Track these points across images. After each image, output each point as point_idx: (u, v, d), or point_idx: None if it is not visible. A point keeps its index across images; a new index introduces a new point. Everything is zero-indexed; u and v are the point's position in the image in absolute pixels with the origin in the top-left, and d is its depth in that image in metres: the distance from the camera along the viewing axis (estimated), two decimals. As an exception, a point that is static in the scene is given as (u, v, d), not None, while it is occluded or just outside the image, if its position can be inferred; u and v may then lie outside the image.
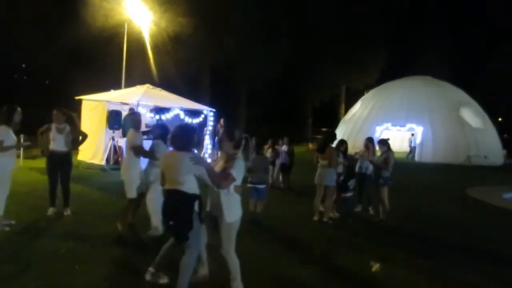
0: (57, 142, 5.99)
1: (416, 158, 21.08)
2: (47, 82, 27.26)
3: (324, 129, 31.39)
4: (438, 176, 15.11)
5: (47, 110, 6.52)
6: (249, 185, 6.36)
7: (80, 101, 12.40)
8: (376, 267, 4.93)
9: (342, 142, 7.52)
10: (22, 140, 9.06)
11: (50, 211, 6.12)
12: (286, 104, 30.85)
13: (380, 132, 21.74)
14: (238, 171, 3.67)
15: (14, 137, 5.42)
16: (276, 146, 10.20)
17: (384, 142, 7.17)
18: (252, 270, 4.42)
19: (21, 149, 9.79)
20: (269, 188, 9.47)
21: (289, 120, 31.00)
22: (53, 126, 5.99)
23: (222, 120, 14.24)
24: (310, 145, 26.62)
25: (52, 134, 5.97)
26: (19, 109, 5.46)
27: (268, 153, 10.02)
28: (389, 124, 22.25)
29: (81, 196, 7.54)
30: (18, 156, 6.88)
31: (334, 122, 29.92)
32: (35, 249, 4.73)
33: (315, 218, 6.97)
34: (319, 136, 29.48)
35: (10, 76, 20.69)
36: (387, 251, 5.63)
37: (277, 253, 5.20)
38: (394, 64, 31.71)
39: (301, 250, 5.52)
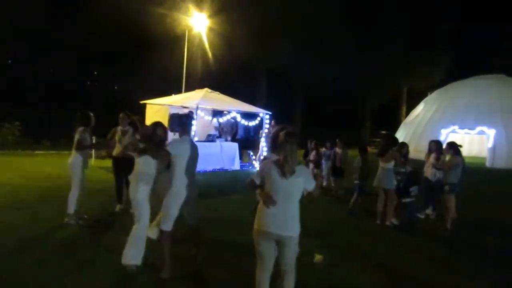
0: (121, 145, 6.37)
1: (488, 164, 19.45)
2: (116, 88, 29.40)
3: (383, 131, 30.14)
4: (513, 184, 13.79)
5: (115, 114, 6.98)
6: (355, 181, 7.42)
7: (144, 105, 13.15)
8: (318, 258, 4.63)
9: (403, 145, 7.19)
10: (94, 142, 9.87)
11: (117, 207, 6.56)
12: (344, 106, 30.06)
13: (446, 135, 20.37)
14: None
15: (89, 139, 5.90)
16: (321, 149, 10.00)
17: (450, 146, 6.71)
18: (309, 272, 4.35)
19: (93, 150, 10.61)
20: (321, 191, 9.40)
21: (346, 122, 30.17)
22: (118, 128, 6.43)
23: (273, 121, 14.27)
24: (369, 149, 25.71)
25: (117, 136, 6.40)
26: (92, 114, 5.93)
27: (312, 155, 9.89)
28: (456, 127, 20.77)
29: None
30: (90, 157, 7.46)
31: (394, 124, 28.60)
32: (104, 242, 5.10)
33: (378, 221, 6.82)
34: (378, 140, 28.35)
35: (85, 83, 22.56)
36: (452, 264, 5.25)
37: (335, 258, 5.08)
38: (461, 62, 29.56)
39: (360, 255, 5.35)
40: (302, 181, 3.21)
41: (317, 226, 6.50)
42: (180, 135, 4.21)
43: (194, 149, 4.19)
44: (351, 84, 27.38)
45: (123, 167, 6.34)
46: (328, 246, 5.56)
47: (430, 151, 7.49)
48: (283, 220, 3.13)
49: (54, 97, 19.21)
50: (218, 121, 13.51)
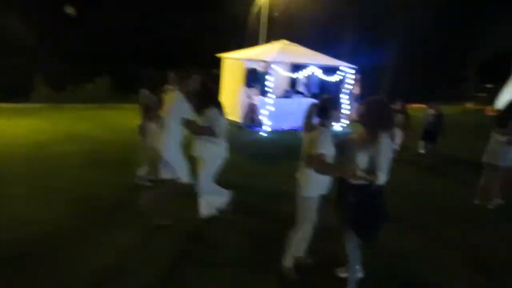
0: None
1: None
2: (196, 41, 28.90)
3: (488, 85, 26.03)
4: None
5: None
6: None
7: (220, 58, 12.81)
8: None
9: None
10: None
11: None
12: (444, 56, 26.33)
13: None
14: None
15: None
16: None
17: None
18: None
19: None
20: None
21: (444, 74, 26.56)
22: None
23: (358, 76, 12.90)
24: (468, 105, 22.63)
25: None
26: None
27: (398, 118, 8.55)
28: None
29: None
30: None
31: (504, 76, 24.37)
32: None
33: (476, 202, 5.82)
34: (481, 95, 24.62)
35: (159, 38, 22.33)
36: None
37: (417, 242, 4.37)
38: None
39: (445, 239, 4.55)
40: None
41: (401, 203, 5.68)
42: None
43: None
44: (454, 31, 23.70)
45: None
46: (412, 230, 4.82)
47: None
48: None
49: (137, 52, 19.60)
50: (305, 77, 12.60)
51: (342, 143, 3.22)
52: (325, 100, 3.29)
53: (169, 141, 4.14)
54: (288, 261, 3.50)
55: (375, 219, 3.06)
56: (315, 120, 3.24)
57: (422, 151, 8.77)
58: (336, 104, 3.32)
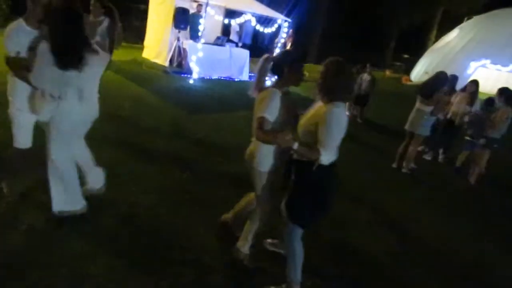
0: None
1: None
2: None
3: (405, 55, 27.98)
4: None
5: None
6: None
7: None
8: None
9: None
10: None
11: None
12: (370, 22, 27.30)
13: (474, 69, 18.71)
14: None
15: None
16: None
17: (501, 92, 5.62)
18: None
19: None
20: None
21: (369, 40, 27.75)
22: (88, 19, 4.66)
23: (291, 31, 12.70)
24: (387, 72, 24.12)
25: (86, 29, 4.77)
26: None
27: None
28: (488, 61, 18.95)
29: (138, 100, 7.19)
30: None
31: (421, 49, 26.32)
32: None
33: (394, 165, 6.12)
34: (398, 63, 26.42)
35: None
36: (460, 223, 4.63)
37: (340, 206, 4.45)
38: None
39: (366, 201, 4.71)
40: None
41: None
42: None
43: None
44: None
45: None
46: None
47: (462, 90, 6.68)
48: None
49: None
50: (239, 25, 11.95)
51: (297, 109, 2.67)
52: (283, 54, 2.64)
53: (15, 86, 2.92)
54: (246, 247, 2.92)
55: (312, 208, 2.53)
56: (269, 78, 2.67)
57: (346, 113, 9.03)
58: (298, 62, 2.61)
